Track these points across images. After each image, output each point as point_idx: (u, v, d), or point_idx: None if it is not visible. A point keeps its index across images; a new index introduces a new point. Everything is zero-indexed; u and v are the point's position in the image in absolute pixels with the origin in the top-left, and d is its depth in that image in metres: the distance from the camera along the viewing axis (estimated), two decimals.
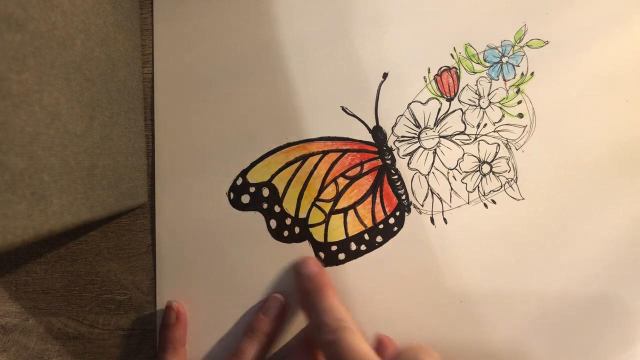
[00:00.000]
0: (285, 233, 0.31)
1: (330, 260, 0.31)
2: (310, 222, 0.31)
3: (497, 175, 0.31)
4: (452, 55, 0.31)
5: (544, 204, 0.30)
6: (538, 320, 0.29)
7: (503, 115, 0.31)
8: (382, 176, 0.31)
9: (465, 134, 0.31)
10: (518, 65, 0.31)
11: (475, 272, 0.30)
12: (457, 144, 0.31)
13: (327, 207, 0.31)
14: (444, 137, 0.31)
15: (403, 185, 0.31)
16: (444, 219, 0.31)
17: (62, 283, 0.33)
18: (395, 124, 0.31)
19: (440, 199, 0.31)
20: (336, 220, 0.31)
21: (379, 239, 0.31)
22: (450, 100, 0.31)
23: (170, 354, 0.30)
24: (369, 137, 0.31)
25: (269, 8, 0.32)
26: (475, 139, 0.31)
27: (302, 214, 0.31)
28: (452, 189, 0.31)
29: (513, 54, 0.31)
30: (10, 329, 0.33)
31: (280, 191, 0.31)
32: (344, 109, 0.31)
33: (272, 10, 0.32)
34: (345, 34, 0.32)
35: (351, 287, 0.31)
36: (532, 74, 0.31)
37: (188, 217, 0.31)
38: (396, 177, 0.31)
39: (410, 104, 0.31)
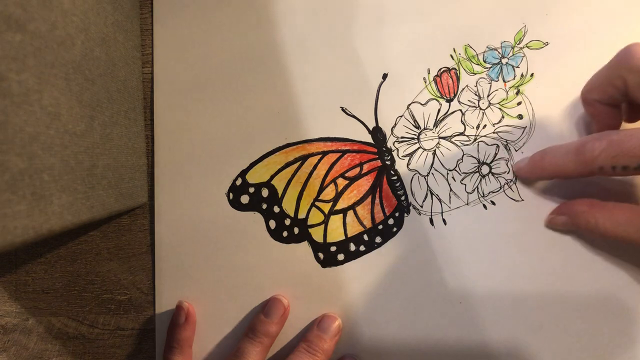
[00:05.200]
0: (285, 233, 0.31)
1: (330, 260, 0.31)
2: (309, 222, 0.31)
3: (497, 176, 0.31)
4: (451, 56, 0.31)
5: (543, 205, 0.30)
6: (537, 320, 0.29)
7: (503, 117, 0.31)
8: (382, 177, 0.31)
9: (465, 135, 0.31)
10: (518, 67, 0.31)
11: (474, 273, 0.30)
12: (457, 145, 0.31)
13: (326, 207, 0.31)
14: (443, 138, 0.31)
15: (402, 186, 0.31)
16: (443, 220, 0.31)
17: (62, 283, 0.33)
18: (395, 124, 0.31)
19: (439, 200, 0.31)
20: (335, 220, 0.31)
21: (378, 239, 0.31)
22: (449, 101, 0.31)
23: (177, 354, 0.30)
24: (368, 138, 0.31)
25: (268, 9, 0.32)
26: (475, 140, 0.31)
27: (302, 215, 0.31)
28: (451, 190, 0.31)
29: (513, 55, 0.31)
30: (10, 329, 0.33)
31: (280, 192, 0.31)
32: (343, 110, 0.31)
33: (272, 10, 0.32)
34: (345, 34, 0.32)
35: (350, 288, 0.31)
36: (531, 75, 0.31)
37: (188, 217, 0.31)
38: (395, 178, 0.31)
39: (409, 104, 0.31)
